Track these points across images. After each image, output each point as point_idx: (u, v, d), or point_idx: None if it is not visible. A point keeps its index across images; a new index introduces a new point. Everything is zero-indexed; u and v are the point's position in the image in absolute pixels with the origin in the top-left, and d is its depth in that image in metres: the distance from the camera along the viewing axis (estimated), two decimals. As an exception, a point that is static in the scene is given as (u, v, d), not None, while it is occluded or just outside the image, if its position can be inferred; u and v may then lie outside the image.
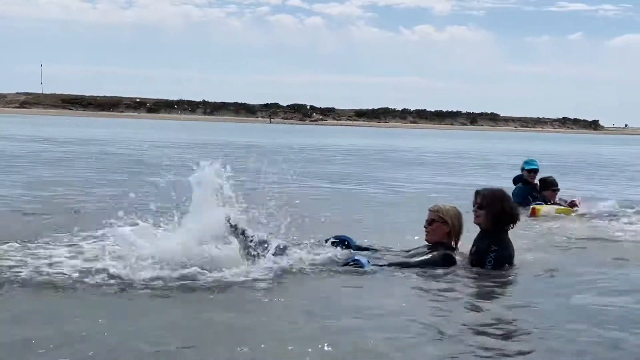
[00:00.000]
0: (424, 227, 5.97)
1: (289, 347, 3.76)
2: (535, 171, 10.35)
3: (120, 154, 21.83)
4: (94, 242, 6.09)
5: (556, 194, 10.09)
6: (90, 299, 4.58)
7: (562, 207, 9.72)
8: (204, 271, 5.13)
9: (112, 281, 4.93)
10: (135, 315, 4.32)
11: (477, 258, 5.71)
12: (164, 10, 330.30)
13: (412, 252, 5.98)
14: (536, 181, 10.33)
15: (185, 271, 5.11)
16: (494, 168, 22.27)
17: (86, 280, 4.93)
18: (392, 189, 13.89)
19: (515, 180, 10.56)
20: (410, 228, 6.97)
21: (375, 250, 6.17)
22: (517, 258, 5.95)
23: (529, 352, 3.84)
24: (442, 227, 5.89)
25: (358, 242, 6.24)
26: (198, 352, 3.67)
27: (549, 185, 10.07)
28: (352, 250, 5.97)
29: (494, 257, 5.62)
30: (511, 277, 5.62)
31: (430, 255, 5.75)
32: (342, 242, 6.10)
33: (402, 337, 4.00)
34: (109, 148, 25.10)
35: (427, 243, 5.98)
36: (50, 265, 5.27)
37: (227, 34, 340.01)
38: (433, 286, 5.21)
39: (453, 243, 5.96)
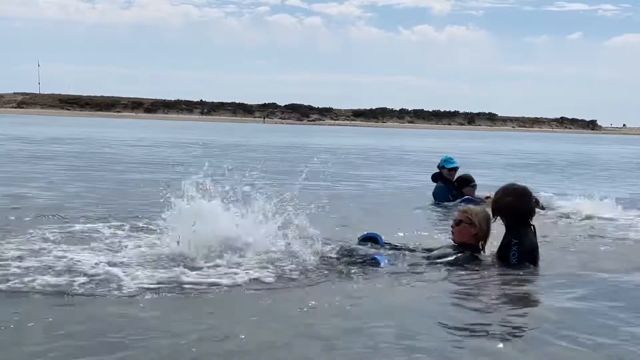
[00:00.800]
0: (451, 226, 5.98)
1: (298, 345, 3.78)
2: (456, 169, 10.48)
3: (96, 153, 21.70)
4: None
5: (474, 189, 10.27)
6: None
7: None
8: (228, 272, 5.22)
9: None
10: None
11: (502, 253, 5.76)
12: (163, 10, 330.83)
13: (437, 251, 5.92)
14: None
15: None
16: (474, 166, 22.25)
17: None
18: (364, 185, 13.82)
19: (434, 178, 10.64)
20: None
21: (402, 248, 6.15)
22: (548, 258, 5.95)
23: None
24: (469, 229, 5.84)
25: (387, 240, 6.31)
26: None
27: (467, 182, 10.25)
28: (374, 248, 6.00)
29: (516, 250, 5.65)
30: (531, 279, 5.53)
31: (455, 256, 5.70)
32: (371, 240, 6.19)
33: (412, 336, 3.99)
34: (86, 147, 24.96)
35: (452, 243, 5.96)
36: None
37: (226, 33, 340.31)
38: (452, 286, 5.19)
39: (480, 245, 5.91)
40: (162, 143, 30.24)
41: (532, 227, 5.83)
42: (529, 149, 43.05)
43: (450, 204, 9.97)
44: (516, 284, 5.31)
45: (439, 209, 9.84)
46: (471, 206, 6.22)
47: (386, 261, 5.58)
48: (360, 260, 5.61)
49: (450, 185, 10.38)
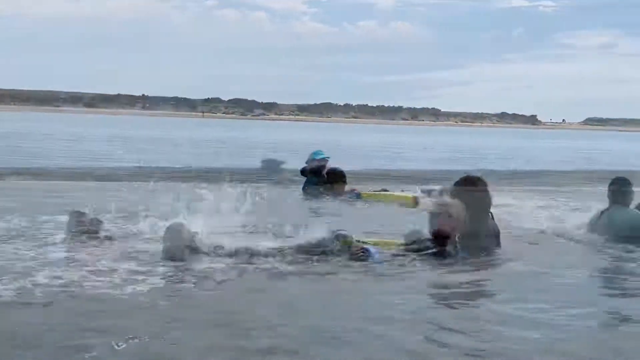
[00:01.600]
0: (428, 220, 5.86)
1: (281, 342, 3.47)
2: (326, 160, 10.51)
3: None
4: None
5: (345, 185, 10.22)
6: None
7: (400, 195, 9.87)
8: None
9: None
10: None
11: (468, 241, 5.68)
12: (107, 2, 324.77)
13: (415, 245, 5.73)
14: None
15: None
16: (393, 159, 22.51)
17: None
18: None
19: (304, 172, 10.59)
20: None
21: (378, 243, 5.99)
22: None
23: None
24: (446, 221, 5.70)
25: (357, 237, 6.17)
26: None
27: (339, 177, 10.24)
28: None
29: (483, 234, 5.76)
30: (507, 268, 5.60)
31: (433, 249, 5.59)
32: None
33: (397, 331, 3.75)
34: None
35: (429, 236, 5.80)
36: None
37: (171, 27, 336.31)
38: (433, 279, 5.18)
39: (457, 237, 5.79)
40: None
41: (490, 213, 5.94)
42: (467, 144, 43.41)
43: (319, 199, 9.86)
44: (493, 273, 5.43)
45: (303, 203, 9.78)
46: (447, 198, 6.03)
47: (377, 253, 5.45)
48: (350, 253, 5.46)
49: (320, 178, 10.30)
